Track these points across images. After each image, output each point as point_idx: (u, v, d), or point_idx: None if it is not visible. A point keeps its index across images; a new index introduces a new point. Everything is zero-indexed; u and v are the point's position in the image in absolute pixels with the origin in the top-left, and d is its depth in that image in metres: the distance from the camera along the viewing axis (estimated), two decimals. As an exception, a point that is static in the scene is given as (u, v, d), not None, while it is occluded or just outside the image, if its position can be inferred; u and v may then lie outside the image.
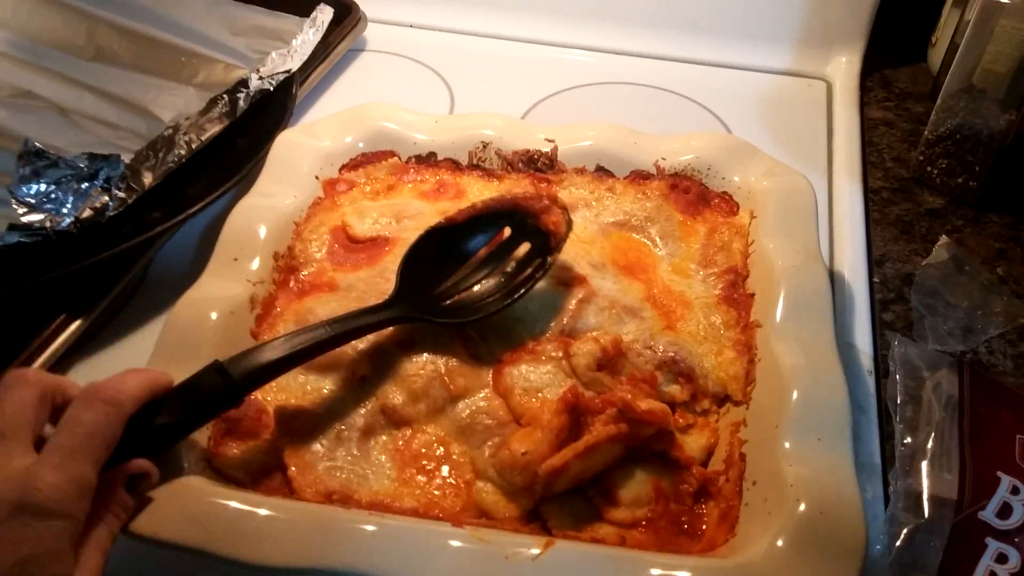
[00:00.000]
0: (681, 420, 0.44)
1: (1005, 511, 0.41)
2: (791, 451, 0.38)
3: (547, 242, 0.47)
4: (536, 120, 0.68)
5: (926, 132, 0.61)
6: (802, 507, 0.36)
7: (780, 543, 0.35)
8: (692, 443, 0.43)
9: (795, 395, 0.40)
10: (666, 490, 0.41)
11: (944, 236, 0.58)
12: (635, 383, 0.44)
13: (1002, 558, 0.40)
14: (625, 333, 0.46)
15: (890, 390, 0.46)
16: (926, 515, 0.40)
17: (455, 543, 0.35)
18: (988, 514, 0.41)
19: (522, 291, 0.45)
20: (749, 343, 0.45)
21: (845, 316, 0.53)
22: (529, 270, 0.46)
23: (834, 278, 0.55)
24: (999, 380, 0.48)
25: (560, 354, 0.44)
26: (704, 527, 0.40)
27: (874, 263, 0.57)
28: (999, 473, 0.42)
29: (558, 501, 0.40)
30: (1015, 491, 0.41)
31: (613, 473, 0.41)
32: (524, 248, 0.47)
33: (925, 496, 0.41)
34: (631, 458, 0.42)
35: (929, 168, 0.62)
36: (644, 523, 0.40)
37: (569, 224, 0.46)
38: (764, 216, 0.50)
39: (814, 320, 0.44)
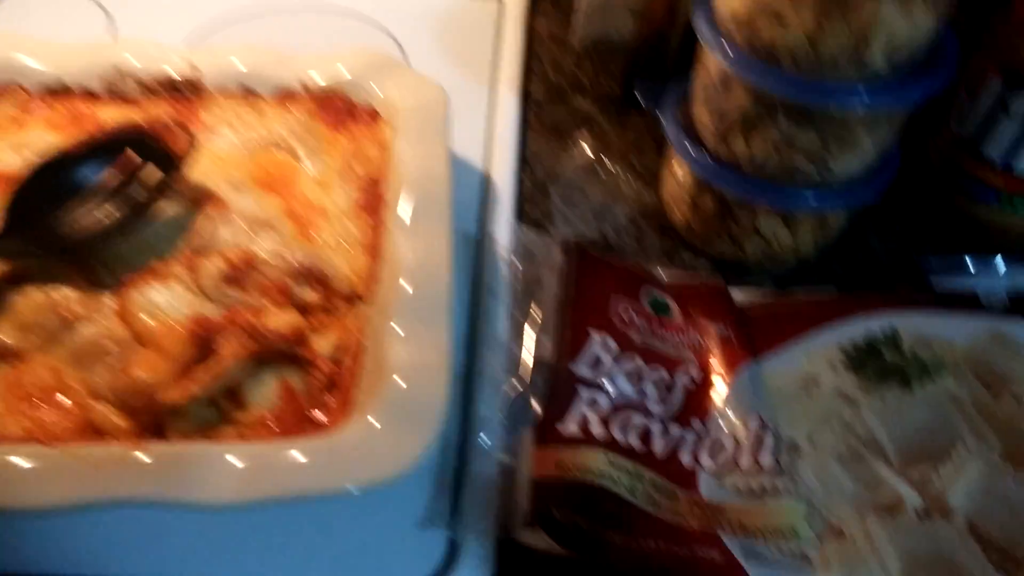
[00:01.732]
0: (314, 321, 0.46)
1: (595, 363, 0.47)
2: (396, 335, 0.42)
3: (172, 164, 0.47)
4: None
5: (575, 42, 0.66)
6: (393, 384, 0.39)
7: (369, 418, 0.38)
8: (323, 342, 0.45)
9: (406, 286, 0.44)
10: (295, 388, 0.43)
11: (587, 135, 0.63)
12: (267, 294, 0.45)
13: (593, 403, 0.45)
14: (259, 247, 0.47)
15: (514, 274, 0.51)
16: (528, 377, 0.45)
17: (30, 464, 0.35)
18: (580, 367, 0.46)
19: (143, 214, 0.45)
20: (378, 245, 0.47)
21: (494, 213, 0.57)
22: (151, 193, 0.46)
23: (487, 180, 0.59)
24: (606, 256, 0.53)
25: (186, 273, 0.45)
26: (328, 418, 0.42)
27: (525, 164, 0.61)
28: (591, 330, 0.48)
29: (185, 415, 0.42)
30: (604, 345, 0.47)
31: (241, 380, 0.43)
32: (148, 172, 0.47)
33: (528, 360, 0.46)
34: (260, 362, 0.44)
35: (580, 75, 0.67)
36: (272, 421, 0.42)
37: (191, 143, 0.47)
38: (402, 127, 0.52)
39: (435, 220, 0.47)
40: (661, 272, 0.53)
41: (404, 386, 0.39)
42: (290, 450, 0.37)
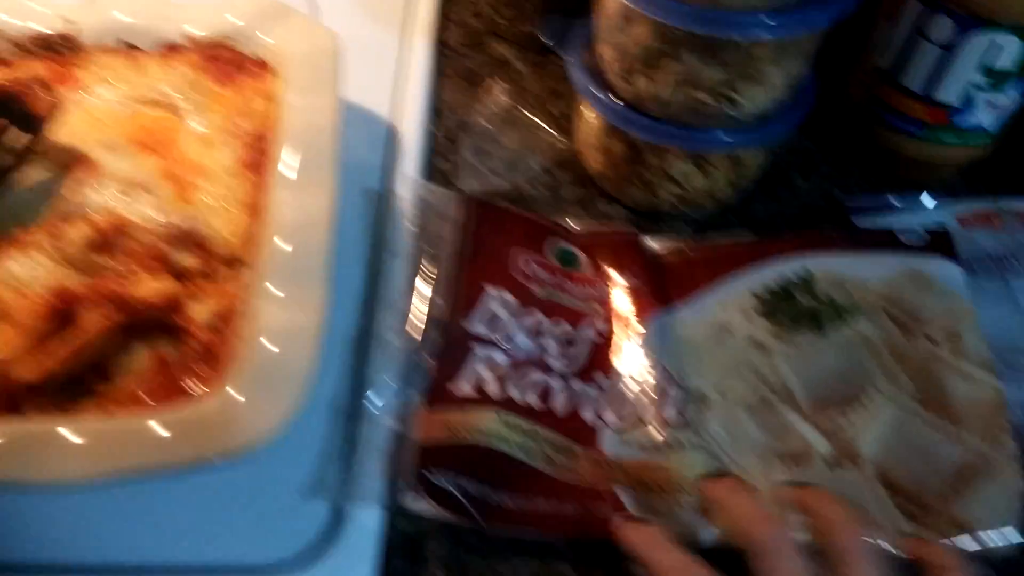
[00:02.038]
0: (193, 288, 0.44)
1: (491, 320, 0.45)
2: (271, 297, 0.39)
3: (36, 126, 0.44)
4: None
5: (490, -19, 0.63)
6: (261, 348, 0.37)
7: (228, 388, 0.36)
8: (201, 309, 0.43)
9: (282, 245, 0.41)
10: (168, 358, 0.41)
11: (502, 82, 0.60)
12: (139, 261, 0.43)
13: (491, 362, 0.43)
14: (132, 211, 0.44)
15: (412, 230, 0.49)
16: (419, 336, 0.43)
17: None
18: (474, 325, 0.44)
19: (3, 180, 0.42)
20: (260, 205, 0.45)
21: (399, 167, 0.54)
22: (13, 158, 0.43)
23: (394, 133, 0.56)
24: (510, 208, 0.51)
25: (48, 241, 0.42)
26: (204, 388, 0.40)
27: (437, 114, 0.59)
28: (487, 286, 0.45)
29: (42, 388, 0.40)
30: (501, 300, 0.45)
31: (108, 353, 0.41)
32: (10, 135, 0.44)
33: (420, 319, 0.44)
34: (131, 333, 0.42)
35: (498, 20, 0.64)
36: (143, 394, 0.40)
37: (54, 104, 0.44)
38: (292, 77, 0.50)
39: (319, 175, 0.44)
40: (571, 223, 0.51)
41: (274, 350, 0.37)
42: (144, 423, 0.35)
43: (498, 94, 0.59)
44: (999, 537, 0.40)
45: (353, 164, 0.55)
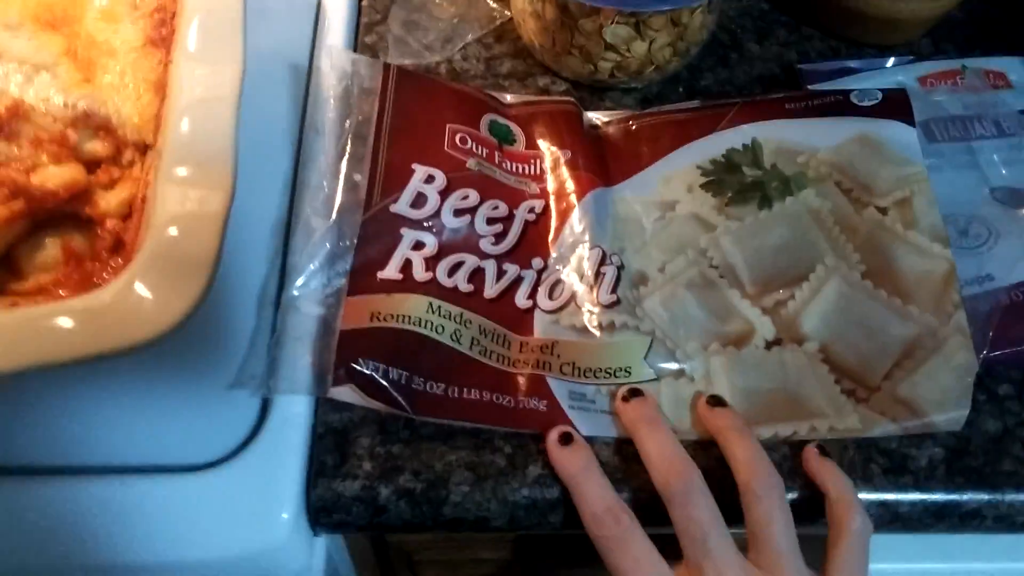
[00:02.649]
0: (104, 176, 0.41)
1: (419, 200, 0.42)
2: (174, 181, 0.37)
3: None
4: None
5: None
6: (164, 232, 0.35)
7: (139, 273, 0.34)
8: (112, 198, 0.41)
9: (186, 125, 0.39)
10: (79, 250, 0.39)
11: (435, -54, 0.56)
12: (43, 147, 0.40)
13: (418, 245, 0.41)
14: (34, 95, 0.41)
15: (336, 107, 0.46)
16: (333, 217, 0.41)
17: None
18: (400, 206, 0.42)
19: None
20: (165, 82, 0.42)
21: (328, 40, 0.50)
22: None
23: (321, 4, 0.52)
24: (440, 81, 0.48)
25: (-57, 128, 0.39)
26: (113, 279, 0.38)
27: (367, -15, 0.54)
28: (414, 165, 0.43)
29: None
30: (430, 179, 0.43)
31: (17, 246, 0.39)
32: None
33: (336, 200, 0.42)
34: (39, 225, 0.39)
35: None
36: (55, 289, 0.38)
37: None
38: (197, -58, 0.45)
39: (225, 49, 0.41)
40: (507, 97, 0.48)
41: (176, 236, 0.35)
42: (40, 316, 0.33)
43: (433, -39, 0.55)
44: (945, 418, 0.39)
45: (279, 39, 0.51)
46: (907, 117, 0.45)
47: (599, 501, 0.36)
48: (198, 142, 0.38)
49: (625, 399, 0.39)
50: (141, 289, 0.34)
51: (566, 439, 0.38)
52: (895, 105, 0.45)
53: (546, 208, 0.44)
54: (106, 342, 0.33)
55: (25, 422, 0.39)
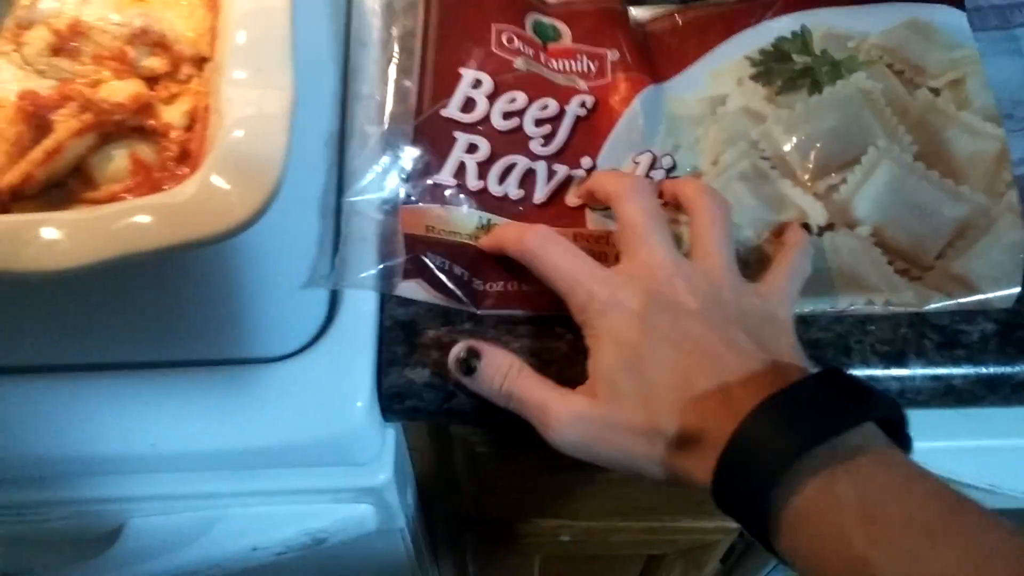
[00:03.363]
0: (164, 91, 0.42)
1: (468, 105, 0.43)
2: (237, 86, 0.38)
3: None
4: None
5: None
6: (233, 133, 0.36)
7: (207, 173, 0.35)
8: (174, 111, 0.42)
9: (241, 35, 0.39)
10: (146, 160, 0.40)
11: None
12: (104, 63, 0.41)
13: (472, 148, 0.42)
14: (87, 13, 0.42)
15: (380, 16, 0.46)
16: (386, 124, 0.42)
17: None
18: (451, 110, 0.43)
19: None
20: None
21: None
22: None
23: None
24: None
25: (12, 48, 0.41)
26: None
27: None
28: (461, 69, 0.43)
29: (34, 199, 0.40)
30: (477, 84, 0.43)
31: (88, 158, 0.40)
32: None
33: (387, 107, 0.43)
34: (107, 138, 0.41)
35: None
36: (125, 195, 0.40)
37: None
38: None
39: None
40: (551, -2, 0.48)
41: (244, 135, 0.36)
42: (123, 209, 0.35)
43: None
44: (998, 293, 0.40)
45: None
46: (956, 2, 0.44)
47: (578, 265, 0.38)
48: (257, 49, 0.39)
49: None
50: (218, 181, 0.35)
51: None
52: (943, -13, 0.45)
53: (597, 104, 0.44)
54: (188, 232, 0.35)
55: (114, 323, 0.42)
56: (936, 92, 0.43)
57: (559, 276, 0.36)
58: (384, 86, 0.43)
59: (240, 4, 0.40)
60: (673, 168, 0.43)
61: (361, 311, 0.41)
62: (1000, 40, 0.46)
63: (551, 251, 0.37)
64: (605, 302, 0.35)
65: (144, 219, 0.35)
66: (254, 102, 0.38)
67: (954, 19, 0.44)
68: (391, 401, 0.39)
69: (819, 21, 0.45)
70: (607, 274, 0.36)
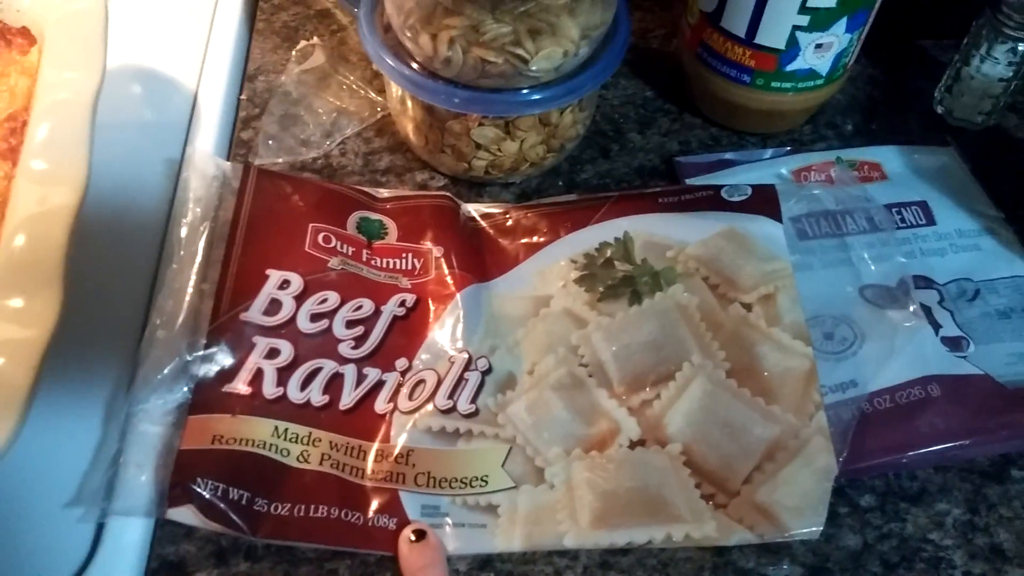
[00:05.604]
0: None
1: (273, 307, 0.41)
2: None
3: None
4: None
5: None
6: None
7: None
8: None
9: (16, 244, 0.37)
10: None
11: (317, 39, 0.56)
12: None
13: (273, 353, 0.40)
14: None
15: (195, 210, 0.45)
16: (176, 329, 0.40)
17: None
18: (252, 313, 0.41)
19: None
20: (7, 199, 0.41)
21: (205, 137, 0.50)
22: None
23: (198, 99, 0.52)
24: (305, 180, 0.47)
25: None
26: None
27: (247, 78, 0.54)
28: (268, 270, 0.42)
29: None
30: (285, 284, 0.42)
31: None
32: None
33: (181, 311, 0.41)
34: None
35: (322, -33, 0.59)
36: None
37: None
38: (51, 47, 0.45)
39: (67, 163, 0.40)
40: (382, 192, 0.47)
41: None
42: None
43: (315, 51, 0.55)
44: (802, 527, 0.38)
45: (155, 134, 0.51)
46: (774, 212, 0.45)
47: None
48: (28, 266, 0.36)
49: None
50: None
51: (419, 535, 0.37)
52: (763, 200, 0.45)
53: (417, 302, 0.43)
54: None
55: None
56: (748, 307, 0.43)
57: None
58: (182, 288, 0.41)
59: (22, 209, 0.39)
60: (489, 371, 0.42)
61: (129, 536, 0.37)
62: (831, 249, 0.45)
63: None
64: None
65: None
66: (12, 325, 0.35)
67: (771, 230, 0.45)
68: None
69: (641, 227, 0.45)
70: None
